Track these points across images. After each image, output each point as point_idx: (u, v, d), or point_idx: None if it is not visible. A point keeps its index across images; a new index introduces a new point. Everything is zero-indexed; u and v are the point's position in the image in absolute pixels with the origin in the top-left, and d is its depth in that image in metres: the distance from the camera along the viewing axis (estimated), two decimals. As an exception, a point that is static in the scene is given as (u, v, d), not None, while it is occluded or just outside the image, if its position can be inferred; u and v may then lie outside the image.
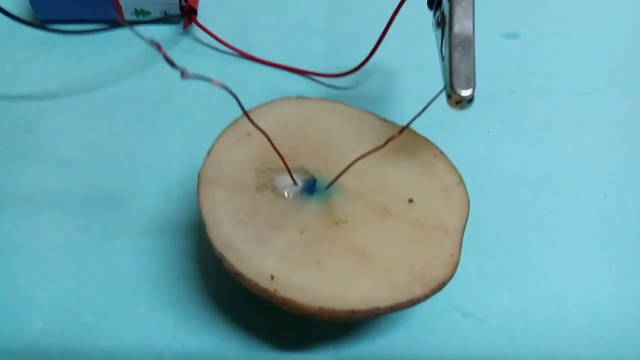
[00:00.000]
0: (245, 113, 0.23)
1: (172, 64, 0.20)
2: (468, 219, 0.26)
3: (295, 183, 0.26)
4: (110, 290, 0.27)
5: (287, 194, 0.25)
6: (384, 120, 0.28)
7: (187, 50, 0.37)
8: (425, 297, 0.23)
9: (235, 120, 0.27)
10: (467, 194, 0.26)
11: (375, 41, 0.33)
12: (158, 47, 0.20)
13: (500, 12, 0.41)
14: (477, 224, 0.30)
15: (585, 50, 0.39)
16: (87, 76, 0.35)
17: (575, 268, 0.30)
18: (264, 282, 0.23)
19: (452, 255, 0.24)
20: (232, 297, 0.27)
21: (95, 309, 0.27)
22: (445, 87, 0.24)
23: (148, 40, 0.20)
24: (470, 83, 0.23)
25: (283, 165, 0.25)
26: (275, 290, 0.22)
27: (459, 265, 0.27)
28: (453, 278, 0.27)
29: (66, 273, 0.28)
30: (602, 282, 0.29)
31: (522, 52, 0.39)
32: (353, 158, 0.25)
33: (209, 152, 0.26)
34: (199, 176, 0.25)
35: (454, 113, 0.35)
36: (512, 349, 0.27)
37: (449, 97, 0.24)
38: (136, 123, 0.33)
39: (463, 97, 0.23)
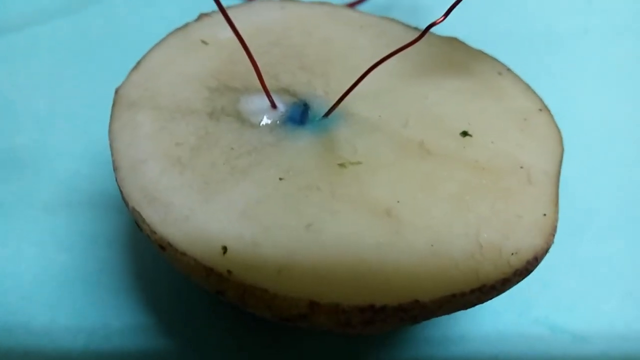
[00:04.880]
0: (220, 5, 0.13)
1: None
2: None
3: (274, 106, 0.16)
4: (10, 283, 0.17)
5: (262, 122, 0.15)
6: (413, 28, 0.19)
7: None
8: (505, 283, 0.13)
9: (187, 25, 0.18)
10: (555, 124, 0.16)
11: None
12: None
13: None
14: (564, 197, 0.20)
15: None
16: (8, 15, 0.26)
17: None
18: (209, 258, 0.12)
19: (544, 215, 0.14)
20: (176, 302, 0.17)
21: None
22: None
23: None
24: None
25: (253, 84, 0.16)
26: (230, 273, 0.12)
27: (549, 261, 0.16)
28: (534, 276, 0.17)
29: None
30: None
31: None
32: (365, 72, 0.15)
33: (137, 64, 0.16)
34: (115, 94, 0.16)
35: (513, 53, 0.25)
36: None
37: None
38: (64, 67, 0.24)
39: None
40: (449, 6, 0.16)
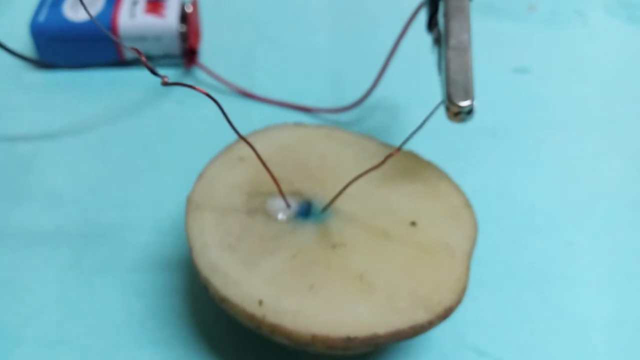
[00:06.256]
0: (236, 131, 0.22)
1: (153, 72, 0.19)
2: (483, 254, 0.24)
3: (288, 206, 0.24)
4: (95, 327, 0.26)
5: (280, 218, 0.24)
6: (385, 144, 0.27)
7: (188, 90, 0.37)
8: (430, 324, 0.21)
9: (229, 146, 0.26)
10: (474, 216, 0.24)
11: (376, 72, 0.33)
12: (138, 52, 0.19)
13: (511, 48, 0.40)
14: (492, 258, 0.28)
15: (598, 84, 0.38)
16: (85, 117, 0.35)
17: (599, 301, 0.27)
18: (251, 307, 0.21)
19: (459, 279, 0.22)
20: (224, 335, 0.25)
21: (78, 346, 0.25)
22: (443, 100, 0.23)
23: (129, 47, 0.19)
24: (469, 93, 0.22)
25: (276, 189, 0.24)
26: (264, 316, 0.21)
27: (473, 301, 0.25)
28: (468, 315, 0.25)
29: (52, 309, 0.26)
30: (628, 316, 0.26)
31: (534, 87, 0.38)
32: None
33: (199, 176, 0.25)
34: (187, 199, 0.24)
35: (464, 145, 0.34)
36: (534, 390, 0.24)
37: (447, 109, 0.23)
38: (131, 161, 0.33)
39: (462, 108, 0.22)
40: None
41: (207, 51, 0.39)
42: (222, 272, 0.22)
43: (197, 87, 0.20)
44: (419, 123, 0.24)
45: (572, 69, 0.39)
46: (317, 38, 0.41)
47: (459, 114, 0.22)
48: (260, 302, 0.21)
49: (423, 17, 0.29)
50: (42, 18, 0.36)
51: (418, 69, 0.38)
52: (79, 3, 0.37)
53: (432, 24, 0.28)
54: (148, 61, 0.37)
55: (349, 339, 0.20)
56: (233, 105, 0.36)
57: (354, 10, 0.43)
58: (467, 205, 0.25)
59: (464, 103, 0.22)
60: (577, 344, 0.26)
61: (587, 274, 0.28)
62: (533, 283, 0.28)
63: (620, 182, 0.32)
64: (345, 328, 0.20)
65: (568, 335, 0.26)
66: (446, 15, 0.24)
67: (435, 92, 0.25)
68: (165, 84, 0.19)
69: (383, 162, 0.24)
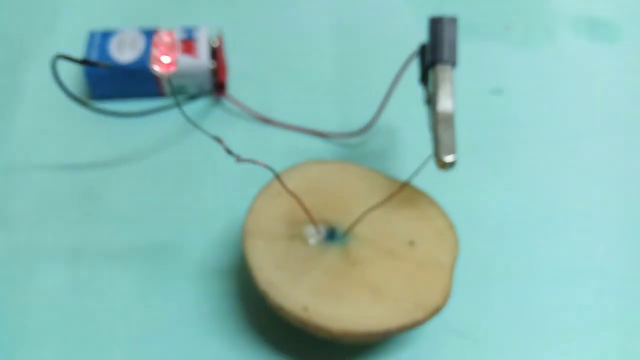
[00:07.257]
0: (280, 181, 0.30)
1: (229, 152, 0.27)
2: (462, 256, 0.32)
3: (318, 232, 0.32)
4: (172, 325, 0.34)
5: (313, 242, 0.32)
6: (389, 177, 0.35)
7: (219, 119, 0.44)
8: (425, 319, 0.29)
9: (269, 183, 0.34)
10: (456, 235, 0.33)
11: (380, 100, 0.40)
12: (219, 140, 0.27)
13: (488, 69, 0.47)
14: (471, 261, 0.36)
15: (565, 101, 0.45)
16: (138, 146, 0.42)
17: (556, 294, 0.35)
18: (300, 313, 0.29)
19: (446, 287, 0.30)
20: (273, 329, 0.33)
21: (162, 340, 0.33)
22: (432, 154, 0.31)
23: (212, 136, 0.26)
24: (452, 150, 0.30)
25: (309, 218, 0.32)
26: (309, 319, 0.29)
27: (456, 295, 0.33)
28: (451, 306, 0.34)
29: (136, 311, 0.34)
30: (580, 305, 0.35)
31: (507, 106, 0.45)
32: (364, 210, 0.32)
33: (249, 210, 0.33)
34: (242, 229, 0.32)
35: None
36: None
37: (436, 162, 0.30)
38: (182, 185, 0.40)
39: (446, 163, 0.30)
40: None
41: (233, 81, 0.46)
42: (275, 286, 0.30)
43: (259, 161, 0.28)
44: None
45: (542, 87, 0.47)
46: (325, 67, 0.48)
47: (444, 166, 0.30)
48: (305, 309, 0.29)
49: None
50: (93, 60, 0.43)
51: (415, 96, 0.45)
52: (123, 44, 0.44)
53: (424, 80, 0.35)
54: (185, 94, 0.45)
55: (369, 334, 0.29)
56: (257, 131, 0.44)
57: (357, 43, 0.50)
58: (451, 227, 0.33)
59: (449, 159, 0.30)
60: (537, 328, 0.34)
61: (546, 271, 0.36)
62: (502, 279, 0.36)
63: (579, 192, 0.40)
64: (367, 326, 0.29)
65: (530, 321, 0.34)
66: (434, 85, 0.32)
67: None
68: (239, 161, 0.27)
69: (391, 196, 0.32)
